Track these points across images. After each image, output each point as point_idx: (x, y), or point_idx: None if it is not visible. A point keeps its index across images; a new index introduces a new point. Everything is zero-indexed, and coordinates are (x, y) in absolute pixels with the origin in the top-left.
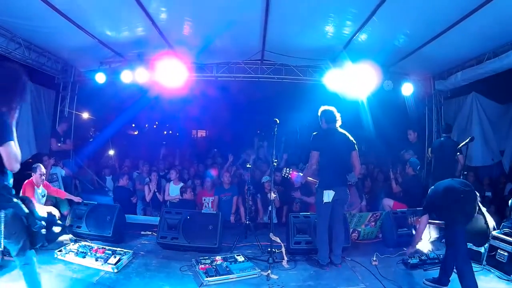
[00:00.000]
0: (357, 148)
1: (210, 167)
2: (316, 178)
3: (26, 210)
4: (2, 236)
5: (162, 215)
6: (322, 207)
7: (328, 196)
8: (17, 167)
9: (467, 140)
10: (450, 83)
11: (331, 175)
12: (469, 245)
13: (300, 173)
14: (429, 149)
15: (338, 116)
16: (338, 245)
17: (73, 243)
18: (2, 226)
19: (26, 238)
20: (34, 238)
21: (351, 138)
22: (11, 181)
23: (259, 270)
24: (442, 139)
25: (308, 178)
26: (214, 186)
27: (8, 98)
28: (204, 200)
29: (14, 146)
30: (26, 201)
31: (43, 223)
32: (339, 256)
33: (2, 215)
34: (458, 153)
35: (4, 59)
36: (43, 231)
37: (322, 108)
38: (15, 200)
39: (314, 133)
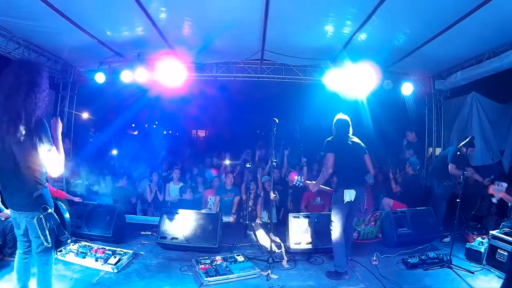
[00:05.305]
0: (367, 153)
1: (211, 167)
2: (327, 185)
3: (58, 221)
4: (47, 232)
5: (162, 215)
6: (341, 207)
7: (350, 195)
8: (60, 172)
9: (467, 140)
10: (450, 82)
11: (351, 174)
12: (469, 245)
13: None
14: (429, 148)
15: (350, 128)
16: (347, 246)
17: (73, 243)
18: (44, 224)
19: (54, 243)
20: (59, 244)
21: (362, 144)
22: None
23: (259, 270)
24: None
25: (321, 186)
26: (217, 186)
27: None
28: (210, 199)
29: (56, 152)
30: (60, 210)
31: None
32: (346, 257)
33: (42, 216)
34: (458, 152)
35: (4, 59)
36: (69, 241)
37: (337, 116)
38: (49, 210)
39: (328, 138)
